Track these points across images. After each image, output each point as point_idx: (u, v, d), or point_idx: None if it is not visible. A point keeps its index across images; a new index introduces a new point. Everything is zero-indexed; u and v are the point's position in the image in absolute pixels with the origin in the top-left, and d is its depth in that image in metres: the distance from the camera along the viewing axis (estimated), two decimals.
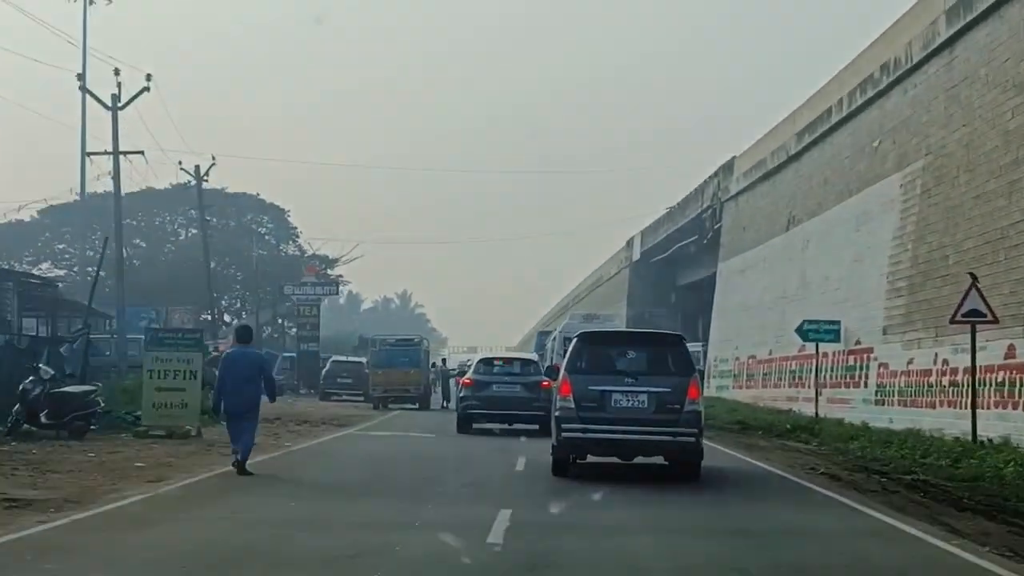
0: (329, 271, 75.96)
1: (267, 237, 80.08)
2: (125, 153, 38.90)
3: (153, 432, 22.86)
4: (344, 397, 45.27)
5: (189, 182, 54.33)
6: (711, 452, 19.33)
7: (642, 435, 16.54)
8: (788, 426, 29.39)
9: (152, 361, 23.78)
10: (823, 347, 30.74)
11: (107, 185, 77.87)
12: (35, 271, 78.57)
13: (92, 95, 40.88)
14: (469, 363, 43.25)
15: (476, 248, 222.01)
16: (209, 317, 72.67)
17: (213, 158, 56.55)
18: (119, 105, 38.92)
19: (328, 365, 48.74)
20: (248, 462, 16.48)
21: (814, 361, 31.68)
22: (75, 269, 74.75)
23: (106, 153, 40.32)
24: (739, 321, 43.18)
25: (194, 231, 78.64)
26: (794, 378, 35.21)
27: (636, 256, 67.97)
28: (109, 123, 39.08)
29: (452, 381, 43.58)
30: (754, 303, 41.22)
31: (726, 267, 46.61)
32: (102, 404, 23.30)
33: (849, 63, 32.40)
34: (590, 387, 16.60)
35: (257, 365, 16.53)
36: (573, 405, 16.61)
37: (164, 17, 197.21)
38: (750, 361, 40.91)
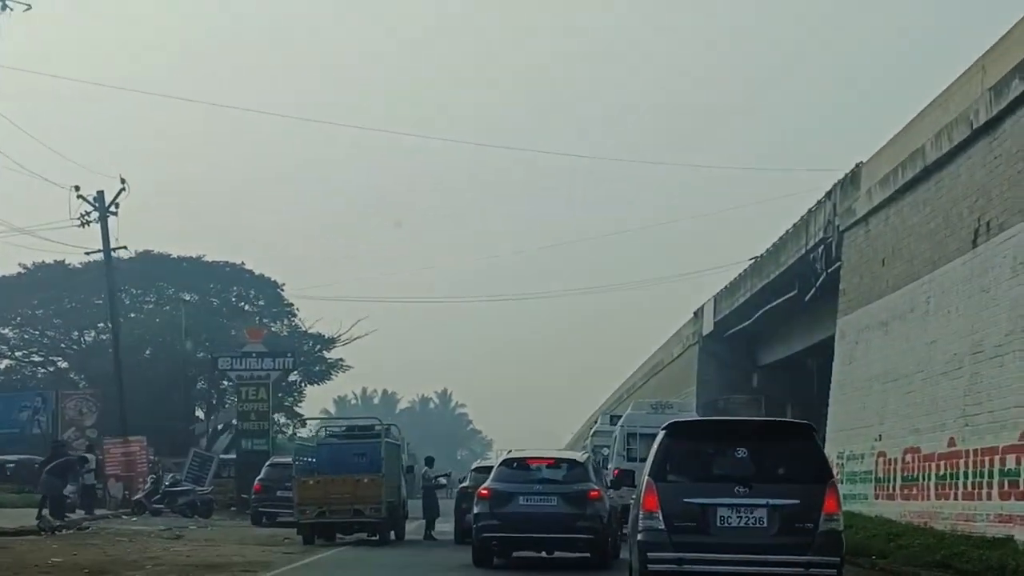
0: (326, 353, 62.27)
1: (256, 317, 66.62)
2: None
3: None
4: (288, 518, 30.45)
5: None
6: None
7: (762, 566, 12.84)
8: None
9: None
10: None
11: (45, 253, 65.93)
12: None
13: None
14: (477, 467, 29.48)
15: (516, 320, 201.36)
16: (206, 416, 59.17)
17: (123, 181, 42.83)
18: None
19: (263, 471, 34.14)
20: None
21: None
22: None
23: None
24: (882, 399, 28.88)
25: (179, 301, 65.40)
26: (1012, 483, 20.85)
27: (708, 329, 53.83)
28: None
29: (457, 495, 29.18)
30: (911, 369, 26.95)
31: (851, 323, 32.37)
32: None
33: None
34: (686, 499, 13.08)
35: None
36: (663, 525, 13.04)
37: None
38: (909, 458, 26.50)
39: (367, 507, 25.28)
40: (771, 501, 13.01)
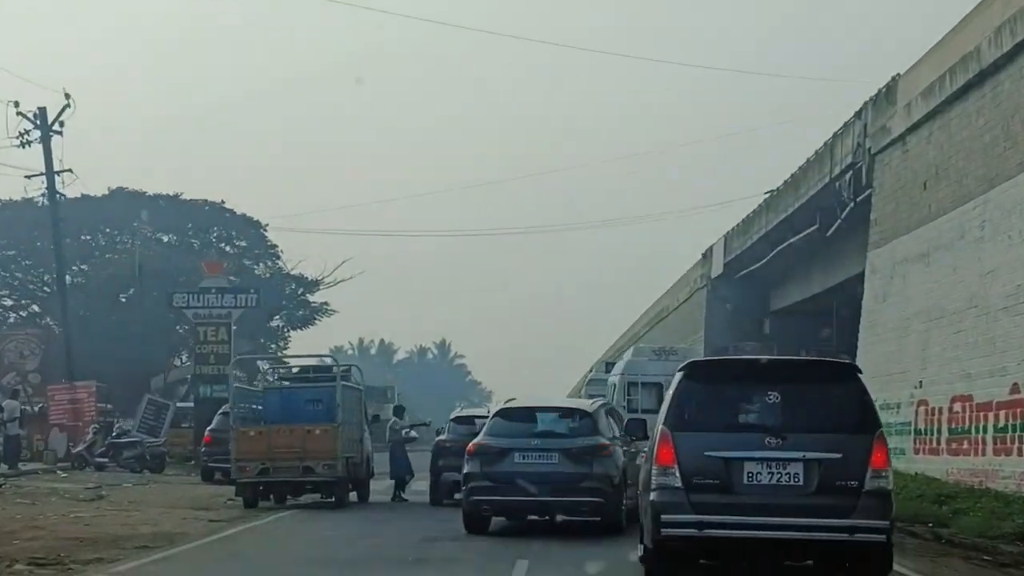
0: (310, 296, 58.66)
1: (241, 259, 62.83)
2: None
3: None
4: None
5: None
6: None
7: (797, 530, 11.05)
8: None
9: None
10: None
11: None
12: None
13: None
14: (456, 417, 25.89)
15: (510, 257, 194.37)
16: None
17: (67, 96, 39.02)
18: None
19: (214, 420, 30.26)
20: None
21: None
22: None
23: None
24: (923, 340, 25.32)
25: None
26: None
27: (717, 271, 50.21)
28: None
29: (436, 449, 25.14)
30: (961, 305, 23.37)
31: (884, 257, 28.76)
32: None
33: None
34: (708, 452, 11.34)
35: None
36: (680, 483, 11.26)
37: None
38: (958, 407, 22.95)
39: (319, 463, 21.48)
40: (808, 454, 11.28)
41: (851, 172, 31.68)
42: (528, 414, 18.52)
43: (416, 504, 22.89)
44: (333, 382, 22.81)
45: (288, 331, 62.30)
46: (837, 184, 32.89)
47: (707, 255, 52.80)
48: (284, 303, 59.83)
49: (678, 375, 12.23)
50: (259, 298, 40.15)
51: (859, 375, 12.31)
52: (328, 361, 24.10)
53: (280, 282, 59.22)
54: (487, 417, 25.57)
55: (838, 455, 11.31)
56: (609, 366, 44.44)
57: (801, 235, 37.88)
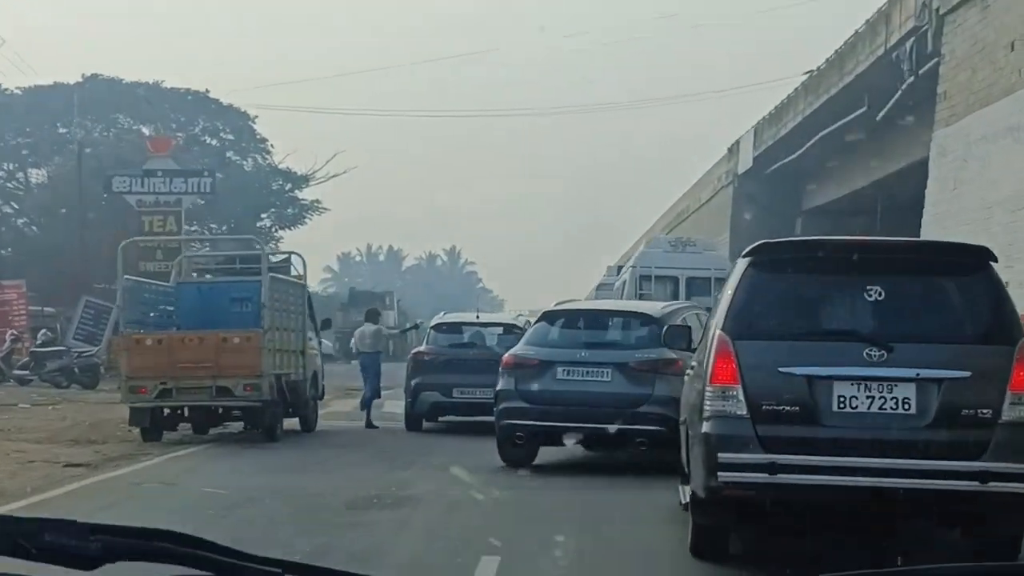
0: (298, 193, 54.28)
1: (228, 154, 58.40)
2: None
3: None
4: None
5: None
6: None
7: (907, 477, 8.22)
8: None
9: None
10: None
11: None
12: None
13: None
14: (437, 324, 21.51)
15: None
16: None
17: None
18: None
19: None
20: None
21: None
22: None
23: None
24: (1010, 232, 21.05)
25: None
26: None
27: (745, 166, 45.75)
28: None
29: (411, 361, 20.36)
30: None
31: (956, 136, 24.30)
32: None
33: None
34: (783, 368, 8.49)
35: None
36: (745, 409, 8.40)
37: None
38: None
39: (237, 383, 16.40)
40: (923, 372, 8.41)
41: (913, 39, 27.09)
42: (579, 319, 15.66)
43: (386, 431, 18.70)
44: (254, 274, 17.78)
45: (277, 231, 58.21)
46: (895, 55, 28.29)
47: (733, 149, 48.48)
48: (272, 200, 55.72)
49: (742, 262, 9.04)
50: (214, 182, 35.42)
51: (992, 263, 8.84)
52: (255, 243, 19.30)
53: (267, 177, 55.00)
54: (476, 324, 21.47)
55: (965, 373, 8.50)
56: (619, 270, 40.33)
57: (845, 120, 33.41)
